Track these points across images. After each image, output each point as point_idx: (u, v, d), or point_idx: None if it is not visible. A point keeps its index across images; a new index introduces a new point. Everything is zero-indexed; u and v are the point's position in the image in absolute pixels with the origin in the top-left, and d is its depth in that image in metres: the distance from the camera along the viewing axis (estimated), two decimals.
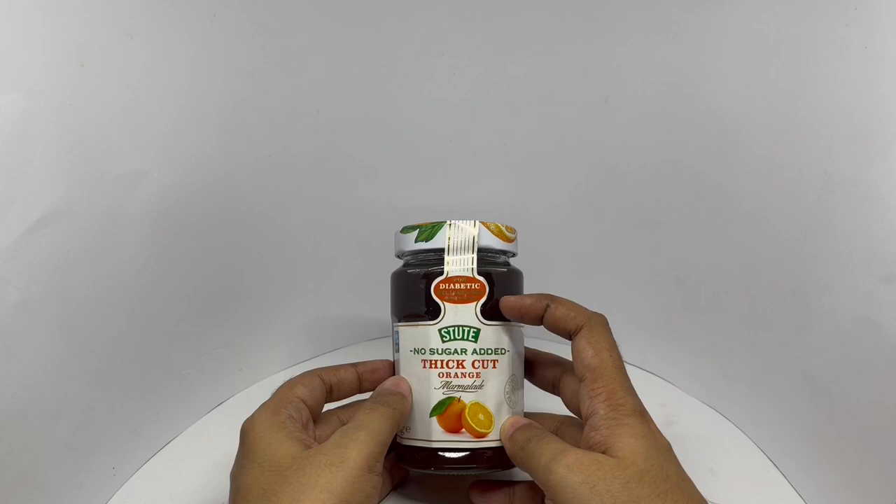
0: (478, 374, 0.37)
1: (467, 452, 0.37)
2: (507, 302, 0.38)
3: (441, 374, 0.37)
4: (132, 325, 0.41)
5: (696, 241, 0.48)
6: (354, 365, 0.40)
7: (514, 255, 0.41)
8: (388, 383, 0.38)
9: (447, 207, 0.52)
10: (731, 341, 0.47)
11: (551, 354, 0.41)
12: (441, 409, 0.37)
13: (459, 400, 0.37)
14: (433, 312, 0.38)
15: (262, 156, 0.48)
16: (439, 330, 0.37)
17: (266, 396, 0.36)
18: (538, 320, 0.37)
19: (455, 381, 0.37)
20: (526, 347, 0.41)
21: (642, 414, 0.33)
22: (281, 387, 0.37)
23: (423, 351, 0.38)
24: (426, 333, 0.38)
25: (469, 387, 0.37)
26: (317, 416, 0.38)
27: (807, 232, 0.39)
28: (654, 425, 0.34)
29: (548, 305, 0.36)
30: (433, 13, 0.49)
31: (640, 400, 0.34)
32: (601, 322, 0.36)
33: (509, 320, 0.38)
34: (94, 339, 0.38)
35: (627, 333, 0.36)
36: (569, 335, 0.36)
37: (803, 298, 0.40)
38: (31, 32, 0.33)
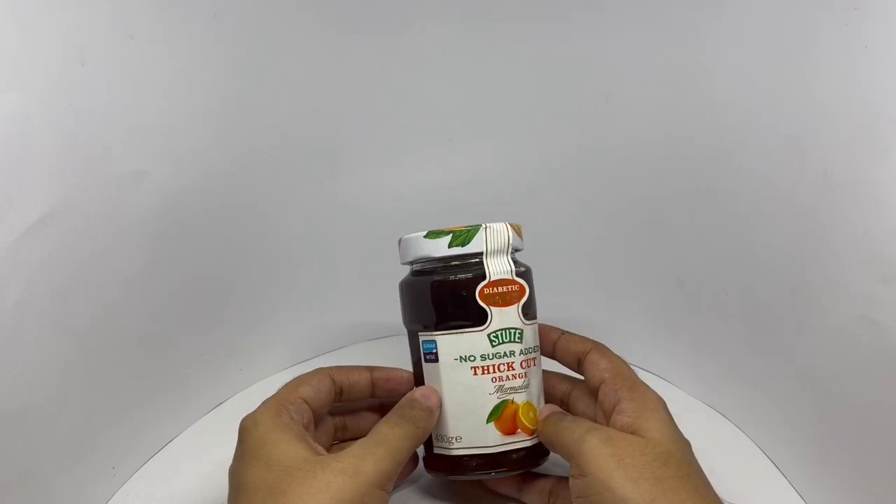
0: (525, 374, 0.38)
1: (525, 451, 0.38)
2: None
3: (494, 379, 0.37)
4: (132, 325, 0.41)
5: (696, 241, 0.48)
6: (370, 369, 0.40)
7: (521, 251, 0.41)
8: (419, 394, 0.37)
9: (447, 208, 0.52)
10: (731, 341, 0.47)
11: (558, 372, 0.41)
12: (497, 413, 0.37)
13: (513, 401, 0.37)
14: (480, 318, 0.37)
15: (262, 155, 0.48)
16: (488, 335, 0.37)
17: (265, 396, 0.36)
18: (550, 346, 0.40)
19: (507, 384, 0.37)
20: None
21: (665, 408, 0.35)
22: (287, 384, 0.37)
23: (472, 358, 0.37)
24: (474, 340, 0.37)
25: (519, 387, 0.37)
26: (320, 418, 0.38)
27: (807, 232, 0.39)
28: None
29: (562, 333, 0.40)
30: (433, 13, 0.49)
31: None
32: (607, 347, 0.39)
33: (536, 318, 0.39)
34: (94, 339, 0.38)
35: (628, 333, 0.36)
36: (577, 360, 0.38)
37: (803, 298, 0.40)
38: (31, 32, 0.33)
